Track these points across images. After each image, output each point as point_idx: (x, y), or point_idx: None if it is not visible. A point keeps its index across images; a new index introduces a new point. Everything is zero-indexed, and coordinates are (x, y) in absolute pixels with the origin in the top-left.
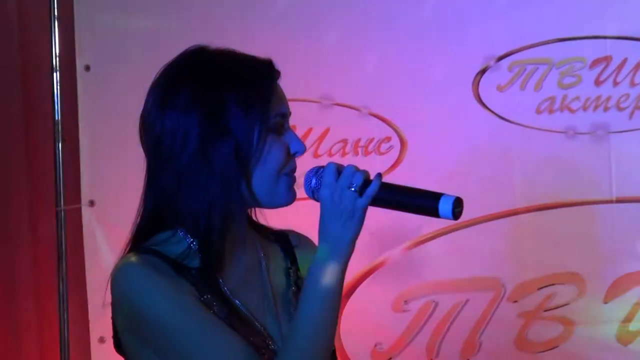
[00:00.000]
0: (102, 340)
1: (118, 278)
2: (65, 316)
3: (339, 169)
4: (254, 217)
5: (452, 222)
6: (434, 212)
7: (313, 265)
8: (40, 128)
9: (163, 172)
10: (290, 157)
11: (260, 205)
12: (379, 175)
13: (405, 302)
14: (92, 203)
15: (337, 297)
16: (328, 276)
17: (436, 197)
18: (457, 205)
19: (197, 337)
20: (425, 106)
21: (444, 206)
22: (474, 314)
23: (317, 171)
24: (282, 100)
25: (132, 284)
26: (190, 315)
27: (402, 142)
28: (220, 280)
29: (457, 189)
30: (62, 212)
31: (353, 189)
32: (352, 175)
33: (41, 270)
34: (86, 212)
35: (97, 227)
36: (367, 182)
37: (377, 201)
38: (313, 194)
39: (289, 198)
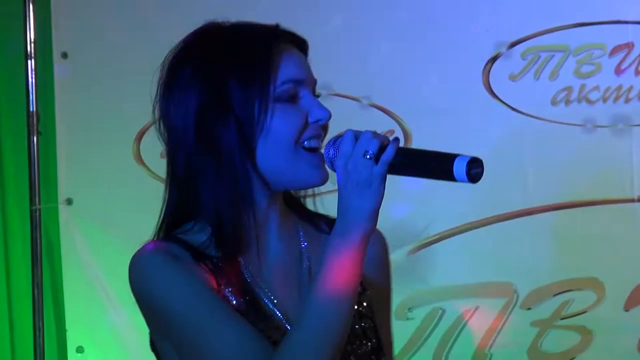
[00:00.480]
0: (80, 349)
1: (131, 267)
2: (40, 324)
3: (357, 136)
4: (305, 205)
5: (459, 224)
6: (449, 175)
7: (329, 245)
8: (13, 120)
9: (176, 160)
10: (307, 126)
11: (283, 186)
12: (396, 140)
13: (410, 309)
14: (69, 201)
15: (353, 282)
16: (344, 260)
17: (452, 158)
18: (474, 166)
19: (204, 325)
20: (430, 97)
21: (459, 167)
22: (483, 322)
23: (335, 141)
24: (294, 65)
25: (143, 271)
26: (200, 303)
27: (406, 136)
28: (245, 271)
29: (464, 187)
30: (38, 212)
31: (369, 157)
32: (368, 142)
33: (14, 274)
34: (63, 211)
35: (75, 227)
36: (383, 148)
37: (395, 168)
38: (332, 165)
39: (314, 176)
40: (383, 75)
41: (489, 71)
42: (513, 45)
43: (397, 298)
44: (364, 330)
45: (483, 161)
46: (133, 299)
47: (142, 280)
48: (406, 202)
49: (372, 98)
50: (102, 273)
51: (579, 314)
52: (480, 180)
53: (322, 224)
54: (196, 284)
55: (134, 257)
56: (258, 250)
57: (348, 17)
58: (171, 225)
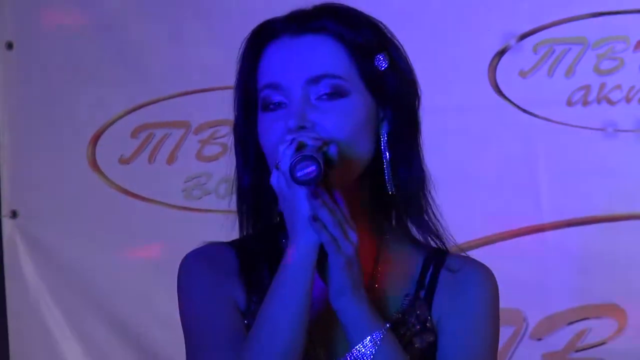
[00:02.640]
0: None
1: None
2: None
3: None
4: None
5: (460, 242)
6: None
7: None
8: None
9: None
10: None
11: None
12: (292, 142)
13: None
14: (14, 214)
15: (294, 291)
16: (283, 272)
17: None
18: (299, 167)
19: (201, 348)
20: (429, 96)
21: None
22: None
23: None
24: (273, 64)
25: (180, 274)
26: (207, 325)
27: None
28: None
29: (467, 199)
30: None
31: (279, 166)
32: (283, 154)
33: None
34: (7, 225)
35: (20, 242)
36: (301, 159)
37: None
38: None
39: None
40: None
41: (496, 67)
42: (523, 37)
43: None
44: None
45: (315, 158)
46: (86, 330)
47: (178, 282)
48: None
49: None
50: (50, 299)
51: (597, 346)
52: (486, 193)
53: (407, 242)
54: (217, 296)
55: (186, 255)
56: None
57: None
58: (255, 220)
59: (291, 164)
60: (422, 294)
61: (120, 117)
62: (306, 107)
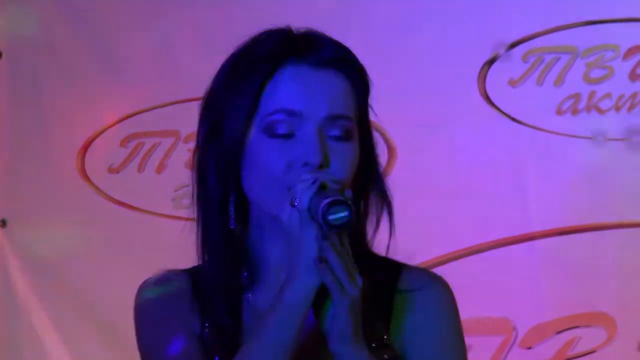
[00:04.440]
0: None
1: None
2: None
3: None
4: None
5: (449, 251)
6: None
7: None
8: None
9: None
10: (292, 167)
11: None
12: (312, 185)
13: None
14: (3, 223)
15: (287, 329)
16: (279, 309)
17: (322, 200)
18: (331, 211)
19: None
20: (418, 105)
21: (322, 212)
22: None
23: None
24: (293, 91)
25: (135, 303)
26: (164, 344)
27: (391, 151)
28: (248, 306)
29: (456, 208)
30: None
31: (296, 204)
32: (293, 189)
33: None
34: None
35: (9, 250)
36: (334, 202)
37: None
38: None
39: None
40: None
41: (486, 75)
42: (513, 46)
43: None
44: None
45: (349, 204)
46: (76, 336)
47: (134, 308)
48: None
49: None
50: (40, 307)
51: (586, 354)
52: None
53: (380, 272)
54: (171, 330)
55: (143, 282)
56: (269, 287)
57: (325, 14)
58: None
59: (323, 207)
60: (378, 312)
61: (110, 127)
62: (324, 144)
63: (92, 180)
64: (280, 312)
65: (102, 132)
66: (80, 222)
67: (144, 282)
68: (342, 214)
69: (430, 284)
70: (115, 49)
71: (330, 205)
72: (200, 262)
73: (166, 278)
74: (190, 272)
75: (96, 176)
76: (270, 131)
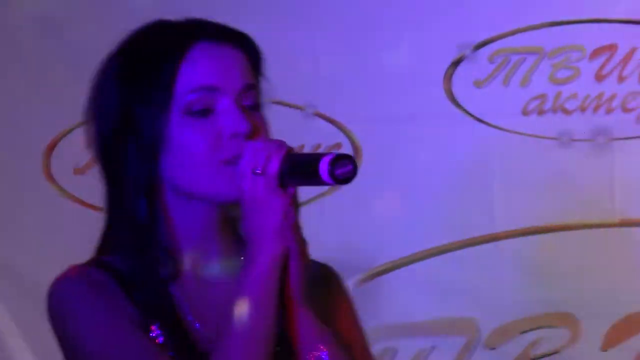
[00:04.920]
0: None
1: (48, 294)
2: None
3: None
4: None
5: (414, 251)
6: (320, 179)
7: (240, 275)
8: None
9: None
10: (221, 142)
11: (203, 199)
12: (281, 147)
13: None
14: None
15: (266, 317)
16: (253, 291)
17: (318, 158)
18: (338, 165)
19: None
20: (383, 105)
21: (324, 169)
22: None
23: None
24: (207, 67)
25: (60, 302)
26: (116, 343)
27: (356, 150)
28: (182, 303)
29: (422, 208)
30: None
31: (258, 171)
32: (254, 156)
33: None
34: None
35: None
36: (339, 157)
37: (286, 179)
38: None
39: (231, 190)
40: (329, 80)
41: (451, 76)
42: (479, 47)
43: None
44: None
45: (353, 159)
46: (42, 341)
47: (54, 307)
48: (353, 225)
49: (317, 106)
50: (6, 312)
51: (550, 355)
52: (439, 202)
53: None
54: (114, 317)
55: (53, 283)
56: (200, 280)
57: (289, 13)
58: (105, 245)
59: (326, 163)
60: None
61: (76, 127)
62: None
63: (58, 182)
64: (260, 278)
65: (68, 132)
66: (45, 223)
67: (63, 276)
68: (349, 167)
69: (326, 270)
70: (83, 48)
71: (335, 160)
72: (108, 257)
73: (82, 273)
74: (100, 265)
75: (63, 178)
76: (189, 110)
